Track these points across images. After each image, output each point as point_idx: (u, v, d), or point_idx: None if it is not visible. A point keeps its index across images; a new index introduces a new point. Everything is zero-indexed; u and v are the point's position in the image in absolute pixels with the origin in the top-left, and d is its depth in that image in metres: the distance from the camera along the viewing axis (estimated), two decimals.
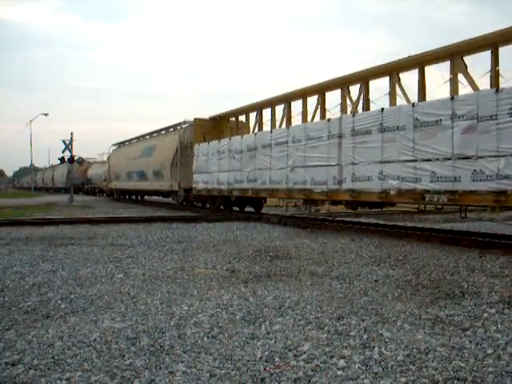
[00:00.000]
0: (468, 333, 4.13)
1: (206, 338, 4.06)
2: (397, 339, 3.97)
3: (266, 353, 3.70)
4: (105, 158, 42.32)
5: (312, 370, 3.37)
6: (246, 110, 19.15)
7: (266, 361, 3.56)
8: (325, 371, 3.36)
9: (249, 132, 18.55)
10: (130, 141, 32.52)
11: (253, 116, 18.84)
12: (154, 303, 5.21)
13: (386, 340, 3.95)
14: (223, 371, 3.38)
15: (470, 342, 3.90)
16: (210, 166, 18.55)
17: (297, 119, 15.72)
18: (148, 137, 28.47)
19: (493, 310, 4.79)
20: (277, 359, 3.58)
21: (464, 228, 12.95)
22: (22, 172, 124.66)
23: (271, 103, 17.17)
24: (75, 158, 32.62)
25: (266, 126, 17.41)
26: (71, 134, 32.45)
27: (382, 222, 14.52)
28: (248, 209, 19.51)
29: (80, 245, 9.90)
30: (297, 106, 16.13)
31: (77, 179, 47.48)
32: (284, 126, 15.94)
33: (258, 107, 18.04)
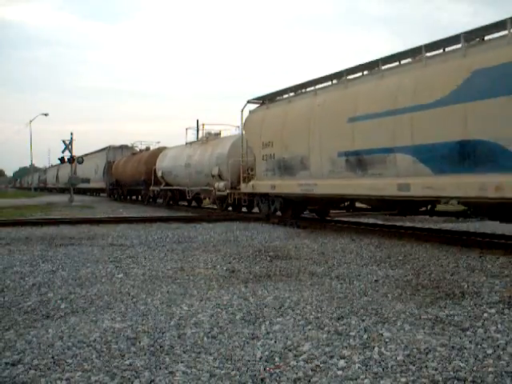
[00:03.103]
0: (468, 333, 4.13)
1: (205, 338, 4.06)
2: (397, 339, 3.97)
3: (266, 353, 3.70)
4: (188, 139, 23.51)
5: (312, 370, 3.37)
6: None
7: (266, 361, 3.56)
8: (325, 371, 3.36)
9: None
10: (334, 77, 12.29)
11: None
12: (154, 303, 5.21)
13: (386, 340, 3.95)
14: (223, 371, 3.38)
15: (470, 342, 3.90)
16: None
17: None
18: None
19: (493, 310, 4.79)
20: (277, 359, 3.58)
21: (464, 228, 12.94)
22: (22, 172, 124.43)
23: None
24: (75, 158, 32.57)
25: None
26: (71, 133, 32.35)
27: (381, 222, 14.52)
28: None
29: (80, 245, 9.90)
30: None
31: (130, 178, 29.27)
32: None
33: None
